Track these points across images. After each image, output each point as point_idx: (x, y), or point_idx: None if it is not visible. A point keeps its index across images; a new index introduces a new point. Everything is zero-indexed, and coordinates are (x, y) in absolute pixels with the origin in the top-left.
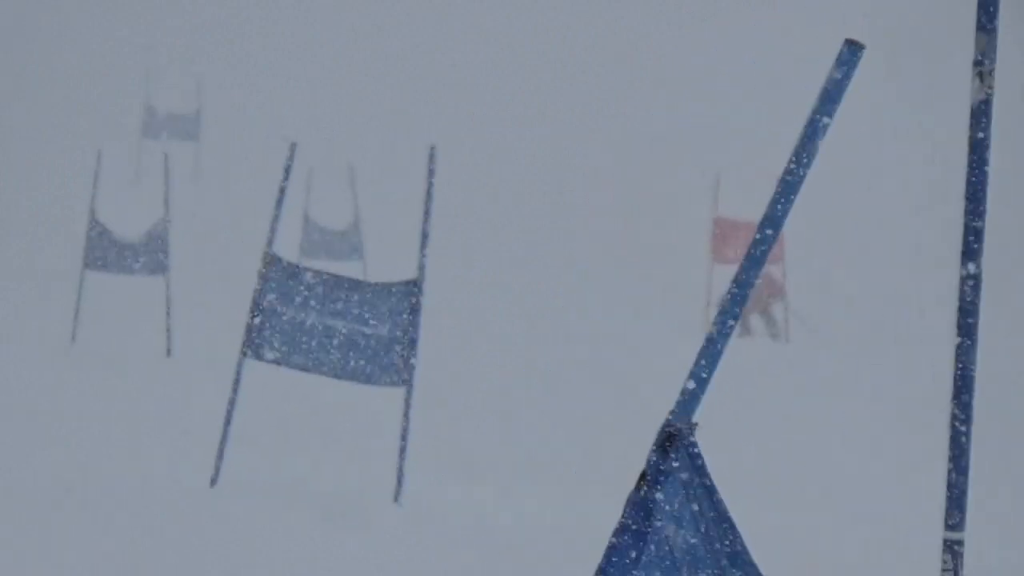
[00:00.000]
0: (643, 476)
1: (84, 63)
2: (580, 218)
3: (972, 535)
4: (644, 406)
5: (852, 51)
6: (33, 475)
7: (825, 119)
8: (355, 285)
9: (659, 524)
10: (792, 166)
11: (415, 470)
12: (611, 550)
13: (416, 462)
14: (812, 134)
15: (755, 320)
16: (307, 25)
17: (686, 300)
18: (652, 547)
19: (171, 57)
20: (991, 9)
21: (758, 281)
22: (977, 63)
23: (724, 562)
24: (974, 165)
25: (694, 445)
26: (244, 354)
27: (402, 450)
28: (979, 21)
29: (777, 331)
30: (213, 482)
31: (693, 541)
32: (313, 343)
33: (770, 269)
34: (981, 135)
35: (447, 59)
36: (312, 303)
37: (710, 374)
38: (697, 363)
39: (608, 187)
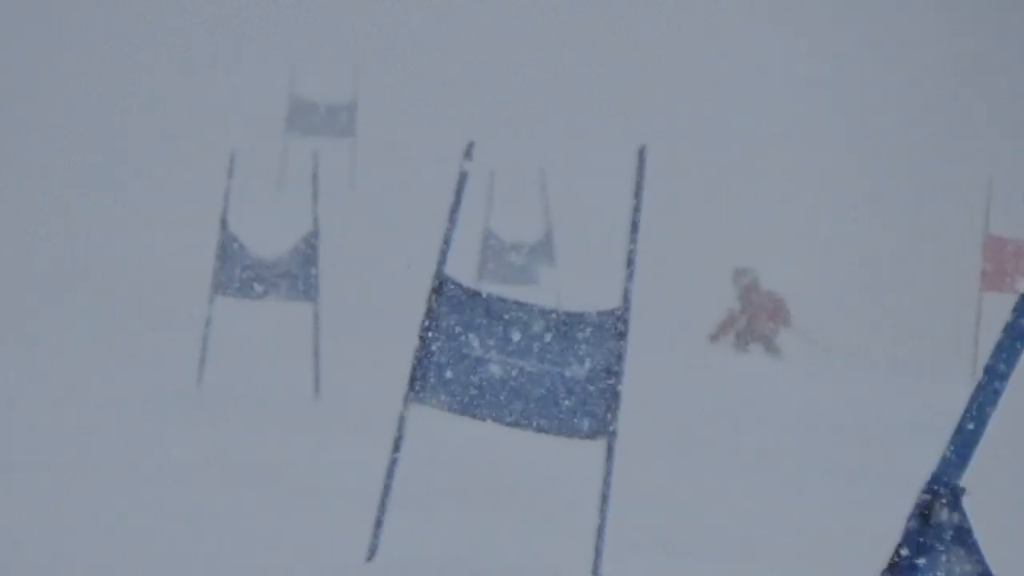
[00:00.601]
0: (897, 553)
1: (218, 47)
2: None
3: None
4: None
5: None
6: (161, 544)
7: None
8: (547, 315)
9: None
10: None
11: (617, 545)
12: None
13: (618, 535)
14: None
15: (754, 348)
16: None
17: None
18: None
19: (321, 39)
20: None
21: (760, 307)
22: None
23: None
24: None
25: (962, 513)
26: (409, 398)
27: (601, 521)
28: None
29: (778, 355)
30: (370, 556)
31: None
32: (493, 385)
33: (776, 293)
34: None
35: (648, 45)
36: (493, 336)
37: (980, 430)
38: (965, 416)
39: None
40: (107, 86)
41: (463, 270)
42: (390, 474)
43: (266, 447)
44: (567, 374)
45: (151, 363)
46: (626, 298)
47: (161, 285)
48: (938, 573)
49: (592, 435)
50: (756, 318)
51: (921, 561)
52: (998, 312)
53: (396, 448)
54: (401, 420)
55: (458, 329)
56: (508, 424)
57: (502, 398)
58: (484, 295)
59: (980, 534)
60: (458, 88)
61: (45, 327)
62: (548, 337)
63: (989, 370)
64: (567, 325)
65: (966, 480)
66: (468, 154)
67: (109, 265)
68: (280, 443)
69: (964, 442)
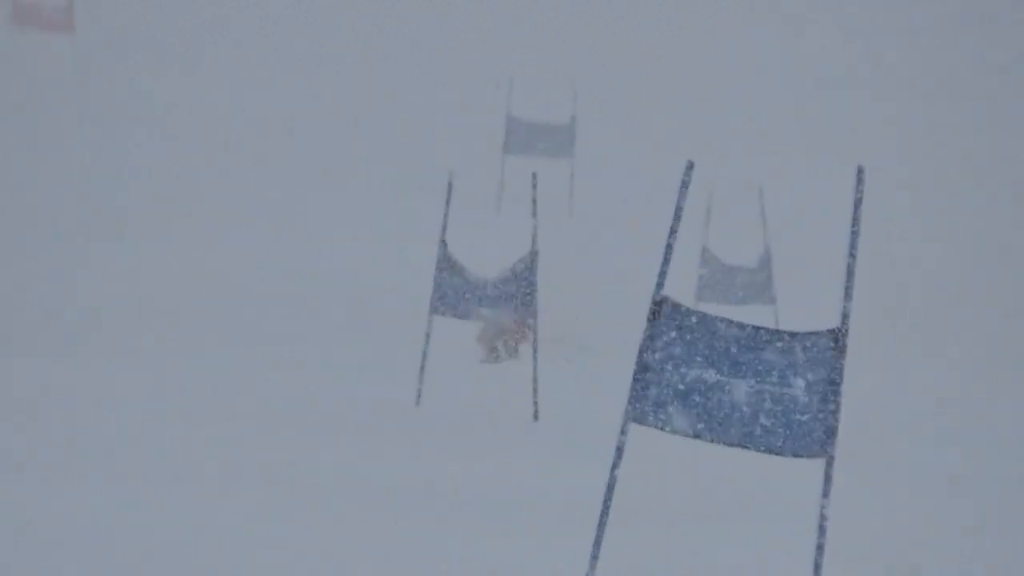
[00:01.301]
0: None
1: (433, 65)
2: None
3: None
4: None
5: None
6: (377, 566)
7: None
8: (766, 334)
9: None
10: None
11: (836, 563)
12: None
13: (840, 557)
14: None
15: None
16: (703, 18)
17: None
18: None
19: (539, 58)
20: None
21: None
22: None
23: None
24: None
25: None
26: (628, 418)
27: (820, 540)
28: None
29: (516, 356)
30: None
31: None
32: (712, 404)
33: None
34: None
35: (858, 66)
36: (711, 356)
37: None
38: None
39: None
40: (335, 103)
41: (682, 290)
42: (609, 495)
43: (485, 468)
44: (786, 394)
45: (371, 383)
46: (845, 318)
47: (381, 304)
48: None
49: (811, 454)
50: (506, 323)
51: None
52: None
53: (615, 468)
54: (620, 440)
55: (677, 349)
56: (727, 444)
57: (721, 417)
58: (703, 315)
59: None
60: (677, 106)
61: (266, 341)
62: (767, 357)
63: None
64: (786, 345)
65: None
66: (687, 173)
67: (331, 284)
68: (499, 464)
69: None
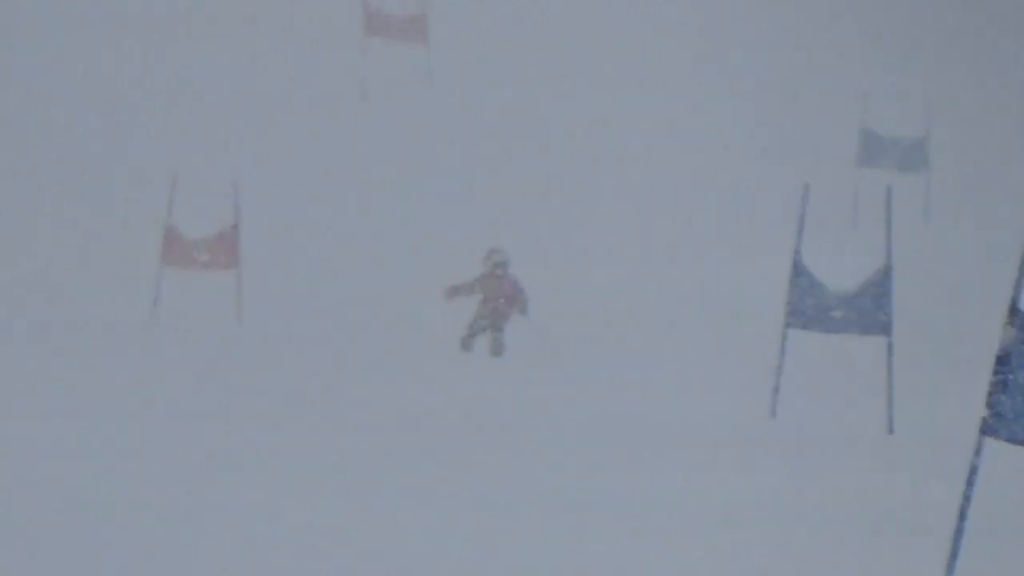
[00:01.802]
0: None
1: (790, 79)
2: None
3: None
4: None
5: None
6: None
7: None
8: None
9: None
10: None
11: None
12: None
13: None
14: None
15: (481, 339)
16: None
17: None
18: None
19: (894, 71)
20: None
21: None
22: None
23: None
24: None
25: None
26: (984, 431)
27: None
28: None
29: (500, 350)
30: None
31: None
32: None
33: (508, 283)
34: None
35: None
36: None
37: None
38: None
39: None
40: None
41: None
42: (963, 512)
43: (839, 482)
44: None
45: (725, 393)
46: None
47: (735, 315)
48: None
49: None
50: (495, 302)
51: None
52: None
53: (969, 484)
54: (975, 455)
55: None
56: None
57: None
58: None
59: None
60: None
61: (617, 352)
62: None
63: None
64: None
65: None
66: None
67: (682, 294)
68: (853, 478)
69: None
